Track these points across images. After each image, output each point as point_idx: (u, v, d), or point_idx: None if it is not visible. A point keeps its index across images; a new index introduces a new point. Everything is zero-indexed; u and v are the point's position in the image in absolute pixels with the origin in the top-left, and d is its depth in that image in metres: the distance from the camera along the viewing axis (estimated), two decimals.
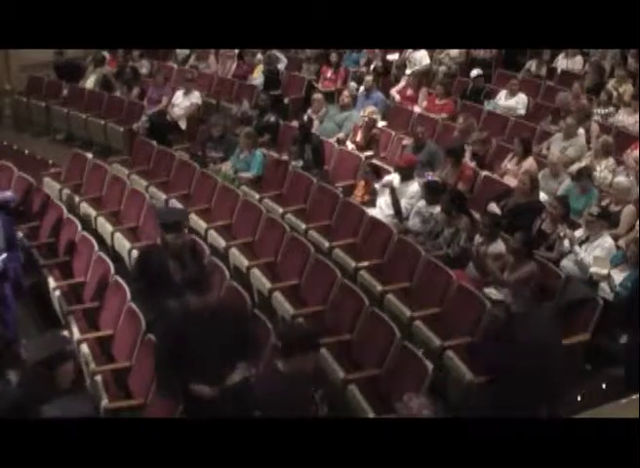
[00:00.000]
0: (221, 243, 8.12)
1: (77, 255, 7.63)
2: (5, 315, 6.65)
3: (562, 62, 12.48)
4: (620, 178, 8.14)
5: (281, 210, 8.75)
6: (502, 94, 11.20)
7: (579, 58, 12.38)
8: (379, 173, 8.95)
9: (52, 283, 7.39)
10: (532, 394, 5.11)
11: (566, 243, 7.09)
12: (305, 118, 10.09)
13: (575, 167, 9.04)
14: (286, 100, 12.05)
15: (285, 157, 9.56)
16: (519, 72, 12.34)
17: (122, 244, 8.15)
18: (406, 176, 8.47)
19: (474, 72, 11.74)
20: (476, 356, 5.90)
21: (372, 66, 12.70)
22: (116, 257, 7.92)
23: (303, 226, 8.36)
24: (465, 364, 6.06)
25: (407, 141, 9.76)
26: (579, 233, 7.18)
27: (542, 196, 8.11)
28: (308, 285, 7.15)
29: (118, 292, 6.63)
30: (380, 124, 10.57)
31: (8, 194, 7.31)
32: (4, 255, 6.64)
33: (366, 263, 7.54)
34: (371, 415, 5.58)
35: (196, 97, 11.52)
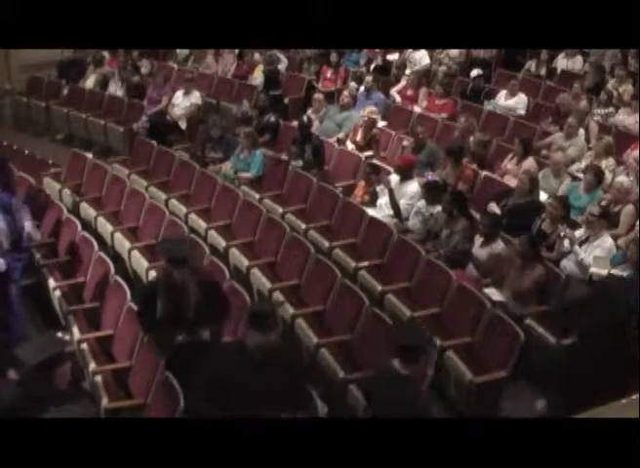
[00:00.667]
0: (221, 243, 8.11)
1: (77, 255, 7.63)
2: (9, 317, 6.62)
3: (562, 62, 12.49)
4: (621, 178, 8.14)
5: (281, 210, 8.75)
6: (502, 94, 11.21)
7: (579, 58, 12.39)
8: (379, 173, 8.94)
9: (52, 283, 7.39)
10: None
11: (566, 243, 7.09)
12: (305, 118, 10.09)
13: (575, 167, 9.05)
14: (286, 100, 12.05)
15: (284, 157, 9.56)
16: (519, 72, 12.35)
17: (122, 244, 8.15)
18: (406, 176, 8.48)
19: (474, 72, 11.75)
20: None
21: (372, 66, 12.71)
22: (116, 257, 7.92)
23: (303, 226, 8.36)
24: (465, 364, 6.07)
25: (407, 142, 9.76)
26: (579, 233, 7.19)
27: (542, 196, 8.11)
28: (308, 285, 7.15)
29: (118, 292, 6.62)
30: (380, 124, 10.56)
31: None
32: (8, 257, 6.62)
33: (366, 263, 7.54)
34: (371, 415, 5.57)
35: (196, 97, 11.52)
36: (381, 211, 8.38)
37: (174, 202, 9.04)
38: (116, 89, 12.37)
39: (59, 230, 8.07)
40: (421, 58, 12.82)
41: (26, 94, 13.00)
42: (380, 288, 7.14)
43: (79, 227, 7.90)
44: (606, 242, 7.00)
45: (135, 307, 6.24)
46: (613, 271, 6.66)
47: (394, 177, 8.56)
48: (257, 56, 12.89)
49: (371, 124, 10.15)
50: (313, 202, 8.77)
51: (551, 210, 7.40)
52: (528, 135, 9.60)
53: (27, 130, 12.71)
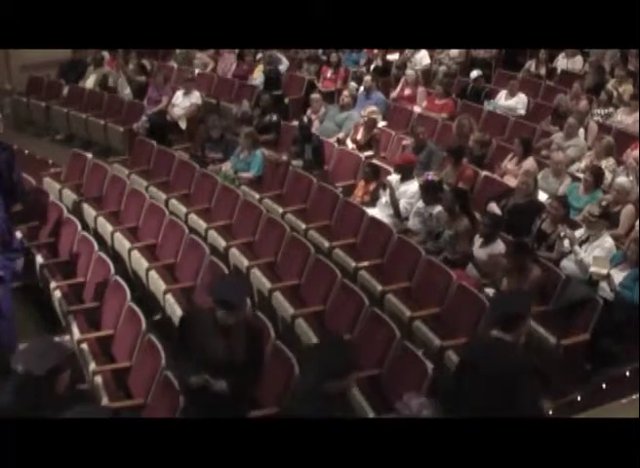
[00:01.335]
0: (221, 243, 8.11)
1: (77, 255, 7.63)
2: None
3: (562, 62, 12.50)
4: (621, 178, 8.14)
5: (281, 210, 8.75)
6: (502, 94, 11.22)
7: (579, 58, 12.40)
8: (378, 172, 8.95)
9: (52, 283, 7.39)
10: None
11: (566, 243, 7.09)
12: (305, 118, 10.09)
13: (575, 167, 9.06)
14: (286, 100, 12.06)
15: (284, 157, 9.56)
16: (519, 72, 12.35)
17: (122, 244, 8.15)
18: (406, 176, 8.48)
19: (474, 73, 11.75)
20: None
21: (372, 66, 12.71)
22: (116, 257, 7.92)
23: (303, 226, 8.36)
24: None
25: (407, 142, 9.76)
26: (579, 233, 7.19)
27: (542, 196, 8.11)
28: (308, 285, 7.15)
29: (118, 292, 6.62)
30: (380, 124, 10.57)
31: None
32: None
33: (366, 263, 7.54)
34: (371, 415, 5.58)
35: (196, 97, 11.53)
36: (381, 211, 8.38)
37: (174, 202, 9.04)
38: (122, 89, 12.36)
39: (59, 230, 8.07)
40: (422, 58, 12.84)
41: (26, 94, 13.00)
42: (380, 288, 7.14)
43: (79, 227, 7.90)
44: (606, 242, 7.00)
45: (135, 307, 6.26)
46: (612, 271, 6.67)
47: (394, 177, 8.56)
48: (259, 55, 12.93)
49: (371, 123, 10.16)
50: (313, 202, 8.77)
51: (551, 210, 7.40)
52: (528, 135, 9.60)
53: (27, 130, 12.71)
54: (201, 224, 8.49)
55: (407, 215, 8.26)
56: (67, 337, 6.59)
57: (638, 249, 6.62)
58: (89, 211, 8.92)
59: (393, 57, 13.06)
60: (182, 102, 11.44)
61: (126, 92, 12.35)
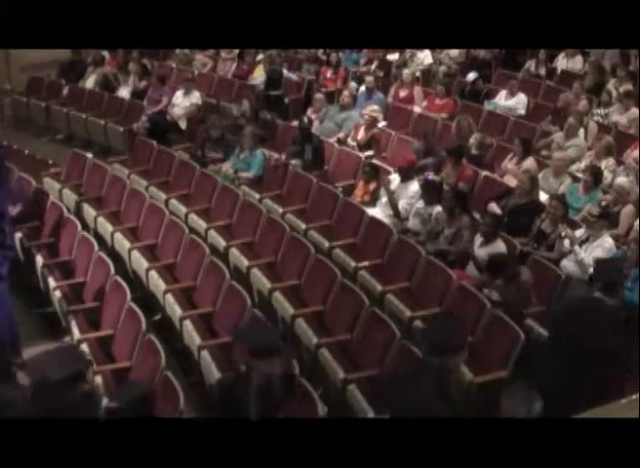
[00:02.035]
0: (221, 243, 8.11)
1: (77, 255, 7.63)
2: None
3: (562, 62, 12.49)
4: (621, 179, 8.14)
5: (281, 210, 8.74)
6: (502, 94, 11.21)
7: (579, 58, 12.39)
8: (378, 172, 8.95)
9: (52, 283, 7.40)
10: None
11: (566, 243, 7.09)
12: (305, 118, 10.10)
13: (575, 167, 9.05)
14: (286, 100, 12.06)
15: (282, 157, 9.57)
16: (519, 72, 12.34)
17: (122, 244, 8.15)
18: (406, 177, 8.48)
19: (470, 76, 11.69)
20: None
21: (372, 67, 12.71)
22: (116, 257, 7.92)
23: (303, 226, 8.36)
24: (465, 364, 6.06)
25: (415, 144, 9.62)
26: (579, 233, 7.19)
27: (542, 196, 8.11)
28: (308, 285, 7.15)
29: (118, 292, 6.63)
30: (380, 124, 10.56)
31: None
32: None
33: (366, 263, 7.53)
34: (371, 415, 5.58)
35: (196, 97, 11.53)
36: (382, 211, 8.38)
37: (174, 202, 9.04)
38: (126, 91, 12.38)
39: (59, 230, 8.07)
40: (424, 57, 12.83)
41: (26, 94, 13.00)
42: (380, 288, 7.14)
43: (79, 227, 7.90)
44: (606, 242, 7.00)
45: (134, 307, 6.26)
46: None
47: (394, 177, 8.56)
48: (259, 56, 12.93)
49: (372, 122, 10.15)
50: (313, 202, 8.77)
51: (551, 209, 7.40)
52: (528, 135, 9.60)
53: (27, 130, 12.71)
54: (201, 224, 8.49)
55: (407, 216, 8.26)
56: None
57: (638, 249, 6.62)
58: (89, 211, 8.92)
59: (393, 57, 13.05)
60: (182, 102, 11.44)
61: (125, 94, 12.34)
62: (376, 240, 7.75)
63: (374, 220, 7.99)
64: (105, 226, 8.54)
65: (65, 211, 8.31)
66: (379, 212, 8.35)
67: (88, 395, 4.63)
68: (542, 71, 12.33)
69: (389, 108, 11.31)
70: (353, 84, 11.81)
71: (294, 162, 9.47)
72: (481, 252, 7.20)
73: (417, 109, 11.18)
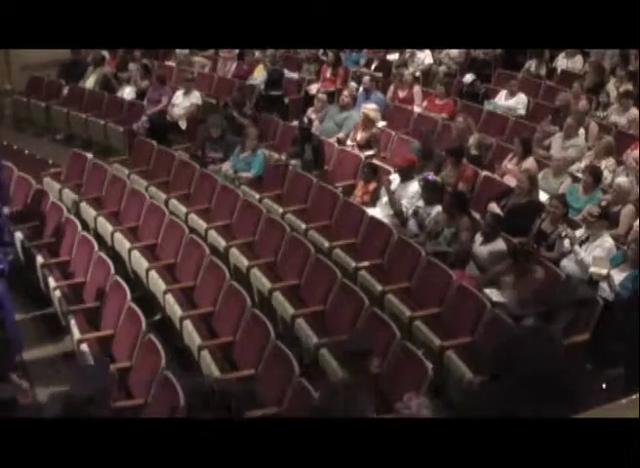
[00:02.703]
0: (221, 243, 8.12)
1: (77, 255, 7.63)
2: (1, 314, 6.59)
3: (562, 62, 12.48)
4: (621, 178, 8.14)
5: (281, 210, 8.74)
6: (502, 94, 11.20)
7: (579, 58, 12.38)
8: (377, 172, 8.95)
9: (52, 283, 7.40)
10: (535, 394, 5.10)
11: (566, 243, 7.09)
12: (305, 118, 10.09)
13: (575, 167, 9.05)
14: (286, 100, 12.06)
15: (282, 158, 9.57)
16: (519, 72, 12.34)
17: (122, 244, 8.15)
18: (406, 177, 8.47)
19: (468, 77, 11.66)
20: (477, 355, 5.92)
21: (372, 67, 12.70)
22: (116, 257, 7.93)
23: (303, 226, 8.36)
24: (465, 364, 6.07)
25: (416, 145, 9.62)
26: (579, 233, 7.19)
27: (542, 196, 8.11)
28: (308, 285, 7.15)
29: (118, 292, 6.63)
30: (380, 124, 10.55)
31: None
32: None
33: (366, 263, 7.54)
34: (371, 415, 5.57)
35: (196, 97, 11.52)
36: (382, 211, 8.38)
37: (174, 202, 9.04)
38: (129, 92, 12.38)
39: (59, 230, 8.08)
40: (425, 57, 12.82)
41: (26, 94, 12.99)
42: (380, 288, 7.14)
43: (79, 227, 7.90)
44: (606, 242, 7.00)
45: (134, 307, 6.25)
46: (612, 271, 6.66)
47: (395, 177, 8.56)
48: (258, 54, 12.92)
49: (368, 121, 10.14)
50: (313, 202, 8.77)
51: (551, 209, 7.40)
52: (528, 135, 9.59)
53: (27, 130, 12.71)
54: (201, 224, 8.49)
55: (407, 216, 8.25)
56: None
57: (638, 249, 6.62)
58: (89, 211, 8.92)
59: (393, 57, 13.04)
60: (182, 102, 11.44)
61: (126, 91, 12.34)
62: (376, 240, 7.75)
63: (374, 220, 7.99)
64: (105, 226, 8.54)
65: (65, 211, 8.31)
66: (379, 212, 8.35)
67: (113, 411, 4.65)
68: (543, 71, 12.33)
69: (389, 108, 11.31)
70: (353, 84, 11.80)
71: (294, 162, 9.47)
72: (481, 250, 7.20)
73: (417, 109, 11.18)
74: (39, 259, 7.77)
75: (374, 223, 7.96)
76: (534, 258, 6.82)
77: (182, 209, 8.84)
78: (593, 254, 6.87)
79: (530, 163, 8.79)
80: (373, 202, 8.61)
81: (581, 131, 9.58)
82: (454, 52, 12.95)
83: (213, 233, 8.33)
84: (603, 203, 7.46)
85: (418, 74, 12.36)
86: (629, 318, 6.10)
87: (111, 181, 9.15)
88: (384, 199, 8.45)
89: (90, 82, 12.84)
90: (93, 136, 11.81)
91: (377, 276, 7.35)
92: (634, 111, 10.08)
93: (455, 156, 8.84)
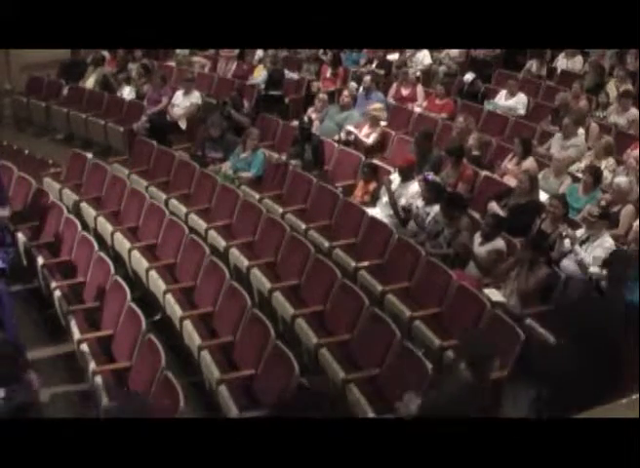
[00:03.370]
0: (221, 243, 8.11)
1: (77, 255, 7.63)
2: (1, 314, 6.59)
3: (562, 62, 12.48)
4: (621, 178, 8.14)
5: (281, 210, 8.74)
6: (502, 94, 11.20)
7: (578, 58, 12.38)
8: (377, 172, 8.95)
9: (52, 283, 7.39)
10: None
11: (566, 243, 7.09)
12: (306, 118, 10.10)
13: (575, 167, 9.05)
14: (286, 100, 12.06)
15: (283, 157, 9.56)
16: (519, 72, 12.34)
17: (122, 244, 8.15)
18: (406, 177, 8.47)
19: (468, 77, 11.67)
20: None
21: (372, 66, 12.70)
22: (116, 257, 7.93)
23: (303, 226, 8.36)
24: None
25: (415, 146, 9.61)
26: (579, 233, 7.19)
27: (543, 196, 8.11)
28: (308, 285, 7.15)
29: (118, 292, 6.63)
30: (382, 124, 10.55)
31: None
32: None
33: (366, 263, 7.54)
34: (371, 415, 5.58)
35: (196, 97, 11.52)
36: (382, 211, 8.38)
37: (174, 202, 9.04)
38: (129, 92, 12.38)
39: (59, 230, 8.08)
40: (423, 57, 12.82)
41: (26, 94, 13.00)
42: (380, 288, 7.14)
43: (79, 227, 7.90)
44: (606, 242, 7.00)
45: (134, 307, 6.24)
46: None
47: (395, 177, 8.56)
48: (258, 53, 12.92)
49: (375, 121, 10.15)
50: (313, 202, 8.77)
51: (552, 209, 7.40)
52: (528, 135, 9.60)
53: (27, 130, 12.71)
54: (201, 224, 8.49)
55: (407, 216, 8.25)
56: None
57: (638, 249, 6.62)
58: (89, 211, 8.92)
59: (393, 57, 13.04)
60: (182, 102, 11.44)
61: (126, 91, 12.34)
62: (376, 240, 7.75)
63: (374, 220, 7.99)
64: (105, 226, 8.54)
65: (65, 211, 8.30)
66: (379, 212, 8.35)
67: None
68: (543, 71, 12.33)
69: (390, 108, 11.31)
70: (353, 84, 11.80)
71: (294, 162, 9.47)
72: (480, 250, 7.21)
73: (417, 109, 11.18)
74: (39, 260, 7.76)
75: (374, 223, 7.96)
76: (544, 255, 6.84)
77: (182, 209, 8.84)
78: (593, 254, 6.87)
79: (530, 163, 8.80)
80: (373, 202, 8.61)
81: (581, 130, 9.58)
82: (454, 52, 12.95)
83: (213, 233, 8.33)
84: (603, 203, 7.45)
85: (418, 74, 12.36)
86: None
87: (111, 181, 9.15)
88: (384, 199, 8.45)
89: (90, 82, 12.85)
90: (93, 136, 11.81)
91: (377, 276, 7.35)
92: (634, 111, 10.08)
93: (455, 156, 8.84)
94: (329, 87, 12.33)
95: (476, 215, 7.90)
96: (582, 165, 8.95)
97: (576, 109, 10.04)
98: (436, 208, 7.82)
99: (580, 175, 8.65)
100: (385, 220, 8.08)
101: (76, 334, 6.57)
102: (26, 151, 10.70)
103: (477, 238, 7.31)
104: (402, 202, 8.30)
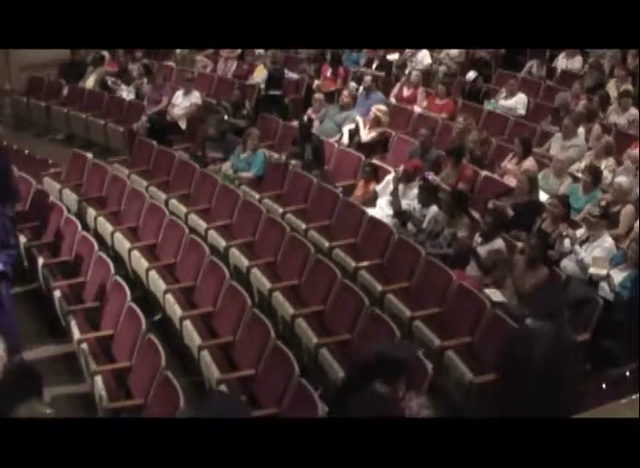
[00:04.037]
0: (221, 243, 8.11)
1: (77, 255, 7.63)
2: (1, 317, 6.57)
3: (562, 62, 12.48)
4: (621, 178, 8.13)
5: (281, 210, 8.74)
6: (502, 93, 11.20)
7: (578, 58, 12.38)
8: (377, 172, 8.95)
9: (52, 283, 7.39)
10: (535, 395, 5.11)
11: (566, 243, 7.08)
12: (306, 118, 10.09)
13: (575, 167, 9.05)
14: (286, 100, 12.06)
15: (283, 157, 9.56)
16: (519, 72, 12.34)
17: (122, 244, 8.15)
18: (410, 179, 8.46)
19: (470, 75, 11.68)
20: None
21: (373, 68, 12.70)
22: (116, 257, 7.93)
23: (303, 226, 8.36)
24: (465, 364, 6.07)
25: (414, 147, 9.62)
26: (579, 233, 7.19)
27: (543, 196, 8.11)
28: (308, 285, 7.15)
29: (118, 292, 6.63)
30: None
31: None
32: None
33: (366, 263, 7.54)
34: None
35: (196, 97, 11.52)
36: (382, 211, 8.37)
37: (174, 202, 9.04)
38: (129, 92, 12.38)
39: (59, 230, 8.08)
40: (423, 57, 12.82)
41: (26, 94, 13.00)
42: (380, 288, 7.14)
43: (79, 227, 7.90)
44: (606, 242, 6.99)
45: (134, 307, 6.23)
46: (612, 271, 6.66)
47: (395, 177, 8.55)
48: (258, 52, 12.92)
49: (377, 122, 10.16)
50: (313, 202, 8.77)
51: (552, 209, 7.40)
52: (528, 135, 9.59)
53: (27, 130, 12.71)
54: (201, 224, 8.49)
55: (408, 216, 8.24)
56: None
57: (638, 249, 6.62)
58: (89, 211, 8.92)
59: (393, 57, 13.04)
60: (182, 102, 11.43)
61: (127, 95, 12.34)
62: (376, 240, 7.75)
63: (374, 220, 7.99)
64: (105, 226, 8.54)
65: (66, 211, 8.31)
66: (379, 212, 8.35)
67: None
68: (543, 71, 12.33)
69: (390, 108, 11.30)
70: (353, 84, 11.80)
71: (294, 162, 9.47)
72: (480, 250, 7.20)
73: (417, 109, 11.18)
74: (40, 260, 7.76)
75: (374, 223, 7.96)
76: (545, 254, 6.84)
77: (182, 209, 8.84)
78: (593, 254, 6.86)
79: (530, 163, 8.79)
80: (373, 202, 8.60)
81: (581, 130, 9.58)
82: (454, 52, 12.94)
83: (213, 233, 8.33)
84: (603, 203, 7.45)
85: (417, 74, 12.34)
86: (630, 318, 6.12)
87: (111, 181, 9.16)
88: (384, 198, 8.45)
89: (90, 82, 12.85)
90: (93, 137, 11.81)
91: (377, 276, 7.35)
92: (634, 111, 10.08)
93: (455, 156, 8.84)
94: (329, 87, 12.33)
95: (476, 215, 7.90)
96: (582, 165, 8.94)
97: (579, 109, 10.02)
98: (433, 209, 7.82)
99: (580, 175, 8.65)
100: (385, 220, 8.08)
101: (76, 334, 6.58)
102: (26, 151, 10.71)
103: (477, 238, 7.31)
104: (404, 202, 8.30)
